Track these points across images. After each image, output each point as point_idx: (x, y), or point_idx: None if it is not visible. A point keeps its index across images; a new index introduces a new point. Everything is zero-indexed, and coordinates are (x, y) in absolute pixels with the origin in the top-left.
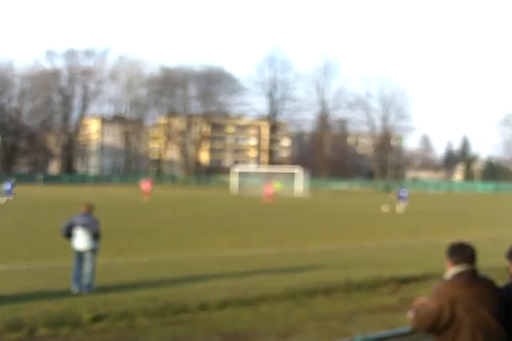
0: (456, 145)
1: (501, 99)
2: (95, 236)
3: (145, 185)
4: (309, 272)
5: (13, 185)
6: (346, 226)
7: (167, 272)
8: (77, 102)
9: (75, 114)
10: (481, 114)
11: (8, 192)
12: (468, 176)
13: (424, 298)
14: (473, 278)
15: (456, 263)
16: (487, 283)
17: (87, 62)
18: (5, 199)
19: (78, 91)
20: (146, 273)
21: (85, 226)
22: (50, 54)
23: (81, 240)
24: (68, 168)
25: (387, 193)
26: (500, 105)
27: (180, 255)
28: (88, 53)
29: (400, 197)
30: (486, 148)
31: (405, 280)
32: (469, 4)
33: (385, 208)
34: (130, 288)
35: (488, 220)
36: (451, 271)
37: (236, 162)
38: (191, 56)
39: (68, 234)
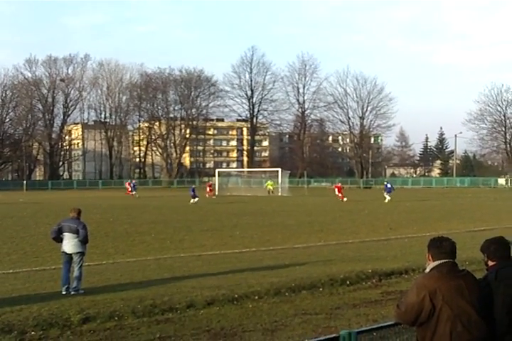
0: (433, 141)
1: (475, 94)
2: (83, 240)
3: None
4: (293, 269)
5: None
6: (328, 223)
7: (153, 272)
8: (59, 109)
9: (57, 121)
10: (456, 109)
11: None
12: (446, 171)
13: None
14: (452, 270)
15: (436, 256)
16: (466, 275)
17: (67, 70)
18: None
19: (59, 98)
20: (133, 274)
21: (74, 230)
22: (29, 62)
23: (69, 243)
24: (53, 173)
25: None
26: (474, 100)
27: (166, 255)
28: (68, 60)
29: (386, 190)
30: (461, 143)
31: (387, 275)
32: None
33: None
34: (118, 289)
35: (466, 214)
36: (432, 264)
37: (218, 163)
38: (170, 60)
39: (57, 237)
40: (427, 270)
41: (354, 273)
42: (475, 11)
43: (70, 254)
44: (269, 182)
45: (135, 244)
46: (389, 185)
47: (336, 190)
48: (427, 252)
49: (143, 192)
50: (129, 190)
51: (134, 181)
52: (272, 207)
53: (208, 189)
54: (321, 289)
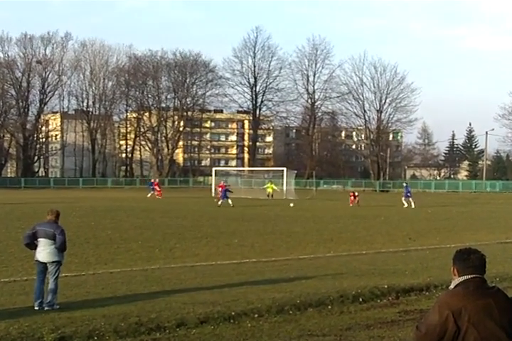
0: (460, 139)
1: (509, 85)
2: (60, 247)
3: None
4: (299, 283)
5: None
6: (339, 231)
7: (140, 285)
8: (34, 95)
9: (32, 109)
10: (487, 103)
11: None
12: (475, 174)
13: None
14: (480, 287)
15: (462, 271)
16: (496, 293)
17: (44, 50)
18: None
19: (36, 83)
20: (117, 287)
21: (50, 235)
22: (1, 40)
23: (44, 251)
24: (26, 170)
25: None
26: (508, 91)
27: (155, 266)
28: (46, 40)
29: (405, 194)
30: (493, 141)
31: (406, 291)
32: None
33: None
34: (98, 305)
35: (496, 223)
36: (457, 279)
37: (215, 161)
38: (163, 42)
39: (31, 244)
40: (452, 286)
41: (368, 289)
42: None
43: (45, 263)
44: (269, 184)
45: (119, 253)
46: (409, 188)
47: (352, 197)
48: (452, 266)
49: (129, 193)
50: (159, 189)
51: (152, 180)
52: (275, 212)
53: (219, 190)
54: (329, 307)
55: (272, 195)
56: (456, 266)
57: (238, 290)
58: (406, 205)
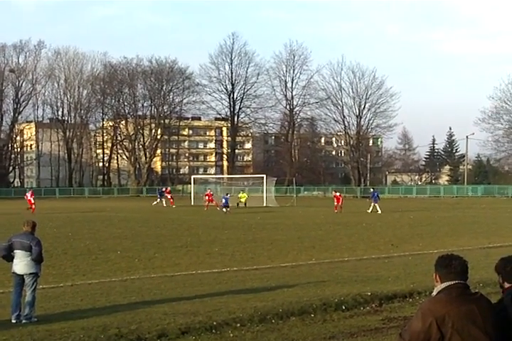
0: (441, 144)
1: (489, 89)
2: (36, 258)
3: None
4: (281, 291)
5: None
6: (321, 238)
7: (119, 296)
8: (8, 105)
9: (6, 119)
10: (467, 107)
11: None
12: (456, 178)
13: None
14: (463, 293)
15: (444, 277)
16: (479, 299)
17: (17, 59)
18: None
19: (9, 92)
20: (96, 299)
21: (26, 246)
22: None
23: (21, 263)
24: (1, 180)
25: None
26: (488, 95)
27: (134, 276)
28: (18, 48)
29: (373, 199)
30: (473, 145)
31: (389, 298)
32: None
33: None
34: (77, 316)
35: (479, 228)
36: (439, 286)
37: (193, 169)
38: (138, 49)
39: (7, 256)
40: (434, 293)
41: (350, 296)
42: None
43: (22, 275)
44: (242, 194)
45: (98, 263)
46: (376, 194)
47: (336, 200)
48: (434, 272)
49: (107, 202)
50: (170, 197)
51: (164, 188)
52: (255, 220)
53: (206, 198)
54: (312, 315)
55: (245, 204)
56: (439, 272)
57: (219, 300)
58: (370, 210)
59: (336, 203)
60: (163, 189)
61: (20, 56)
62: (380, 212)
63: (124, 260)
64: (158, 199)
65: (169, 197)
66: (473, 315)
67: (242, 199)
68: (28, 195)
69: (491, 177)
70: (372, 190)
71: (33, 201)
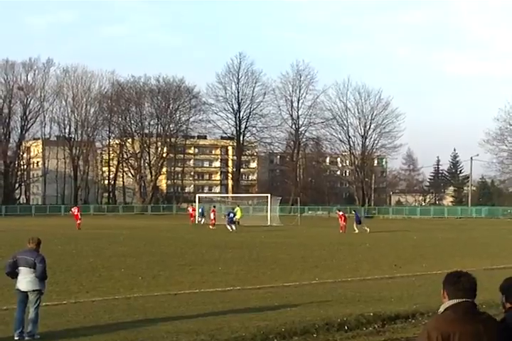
0: (445, 165)
1: (494, 111)
2: (40, 276)
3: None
4: (284, 311)
5: None
6: (324, 258)
7: (122, 314)
8: (16, 122)
9: (14, 136)
10: (472, 128)
11: None
12: (460, 199)
13: None
14: (470, 312)
15: (451, 294)
16: (486, 320)
17: (26, 76)
18: None
19: (17, 109)
20: (99, 316)
21: (30, 263)
22: None
23: (25, 280)
24: (7, 197)
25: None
26: (493, 117)
27: (138, 294)
28: (27, 66)
29: (356, 220)
30: (478, 167)
31: (392, 319)
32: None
33: None
34: (80, 334)
35: (483, 249)
36: (446, 303)
37: (198, 187)
38: (146, 68)
39: (12, 272)
40: (441, 309)
41: (353, 316)
42: (493, 15)
43: (26, 292)
44: (237, 208)
45: (101, 281)
46: (358, 214)
47: (340, 219)
48: (442, 289)
49: (112, 220)
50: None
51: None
52: (260, 239)
53: (212, 216)
54: (315, 335)
55: (238, 223)
56: (446, 289)
57: (222, 319)
58: (356, 231)
59: (341, 223)
60: (212, 208)
61: (29, 74)
62: (356, 231)
63: (128, 278)
64: (200, 218)
65: (212, 217)
66: (479, 336)
67: (238, 215)
68: (75, 210)
69: (495, 198)
70: (354, 212)
71: (80, 216)
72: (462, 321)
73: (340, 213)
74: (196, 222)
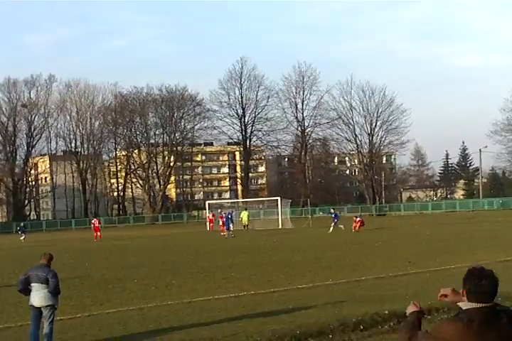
0: (454, 158)
1: (500, 101)
2: (53, 291)
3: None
4: (299, 313)
5: None
6: (337, 258)
7: (137, 325)
8: (21, 139)
9: (20, 153)
10: (479, 120)
11: None
12: (471, 192)
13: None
14: (486, 321)
15: (471, 295)
16: (501, 328)
17: (29, 93)
18: None
19: (22, 126)
20: (113, 328)
21: (42, 279)
22: None
23: (38, 295)
24: (17, 214)
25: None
26: (499, 108)
27: (152, 304)
28: (30, 83)
29: (334, 219)
30: (487, 158)
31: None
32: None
33: None
34: None
35: (496, 241)
36: (463, 304)
37: (208, 194)
38: (148, 78)
39: (25, 289)
40: (461, 305)
41: (368, 315)
42: (498, 7)
43: (39, 308)
44: (244, 212)
45: (115, 293)
46: (337, 213)
47: (354, 222)
48: (462, 286)
49: (123, 231)
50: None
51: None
52: (271, 243)
53: (220, 222)
54: (330, 336)
55: (248, 226)
56: (466, 288)
57: (237, 324)
58: (331, 231)
59: (354, 224)
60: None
61: (32, 91)
62: (330, 231)
63: (141, 288)
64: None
65: (220, 223)
66: (504, 338)
67: (244, 218)
68: (96, 222)
69: (507, 189)
70: (332, 211)
71: (100, 228)
72: (474, 333)
73: (358, 219)
74: (226, 229)
